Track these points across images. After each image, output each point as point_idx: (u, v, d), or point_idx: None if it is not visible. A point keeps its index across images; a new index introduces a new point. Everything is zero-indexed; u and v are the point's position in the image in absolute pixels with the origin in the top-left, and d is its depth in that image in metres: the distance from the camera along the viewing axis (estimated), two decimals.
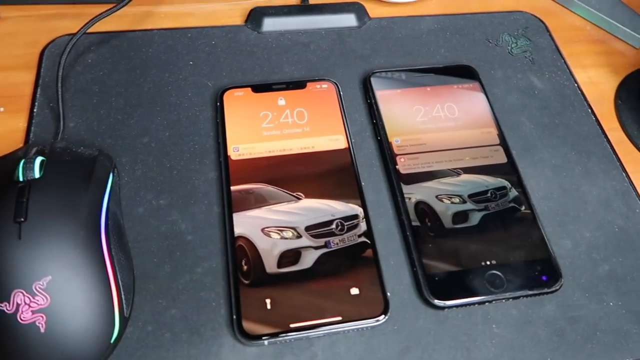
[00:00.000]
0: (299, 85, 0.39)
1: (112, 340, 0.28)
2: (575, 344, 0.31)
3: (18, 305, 0.26)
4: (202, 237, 0.33)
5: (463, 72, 0.41)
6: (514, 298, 0.32)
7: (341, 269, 0.32)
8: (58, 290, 0.26)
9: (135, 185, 0.35)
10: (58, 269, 0.27)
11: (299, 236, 0.32)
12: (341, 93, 0.39)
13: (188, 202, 0.34)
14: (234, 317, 0.30)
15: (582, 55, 0.46)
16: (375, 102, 0.39)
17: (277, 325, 0.29)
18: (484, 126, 0.39)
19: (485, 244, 0.33)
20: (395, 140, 0.37)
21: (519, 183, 0.36)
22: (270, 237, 0.32)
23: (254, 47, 0.42)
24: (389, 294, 0.31)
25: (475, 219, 0.34)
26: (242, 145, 0.36)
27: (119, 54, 0.40)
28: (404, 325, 0.31)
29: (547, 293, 0.32)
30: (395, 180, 0.35)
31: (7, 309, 0.26)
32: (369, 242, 0.33)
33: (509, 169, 0.37)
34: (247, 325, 0.29)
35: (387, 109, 0.39)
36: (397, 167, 0.36)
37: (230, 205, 0.33)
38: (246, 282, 0.31)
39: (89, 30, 0.38)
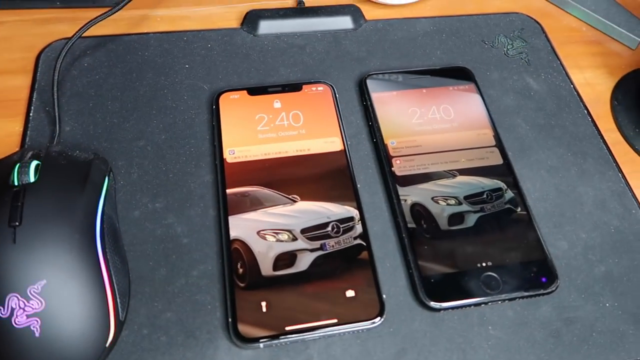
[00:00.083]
0: (295, 87, 0.39)
1: (107, 344, 0.28)
2: (571, 345, 0.31)
3: (13, 309, 0.26)
4: (198, 240, 0.33)
5: (459, 74, 0.41)
6: (509, 299, 0.32)
7: (337, 272, 0.32)
8: (53, 294, 0.26)
9: (131, 188, 0.35)
10: (53, 272, 0.27)
11: (295, 239, 0.32)
12: (337, 95, 0.39)
13: (184, 205, 0.34)
14: (230, 320, 0.30)
15: (578, 56, 0.46)
16: (371, 104, 0.39)
17: (273, 328, 0.29)
18: (479, 128, 0.39)
19: (481, 246, 0.33)
20: (391, 142, 0.37)
21: (514, 184, 0.36)
22: (266, 239, 0.32)
23: (249, 50, 0.42)
24: (384, 296, 0.31)
25: (471, 220, 0.34)
26: (237, 148, 0.36)
27: (114, 57, 0.40)
28: (399, 327, 0.31)
29: (543, 294, 0.32)
30: (391, 182, 0.35)
31: (1, 313, 0.26)
32: (364, 244, 0.33)
33: (504, 171, 0.37)
34: (243, 328, 0.29)
35: (382, 111, 0.39)
36: (392, 169, 0.36)
37: (226, 208, 0.33)
38: (242, 284, 0.31)
39: (85, 34, 0.38)
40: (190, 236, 0.33)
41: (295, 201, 0.34)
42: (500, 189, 0.36)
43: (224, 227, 0.33)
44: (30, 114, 0.37)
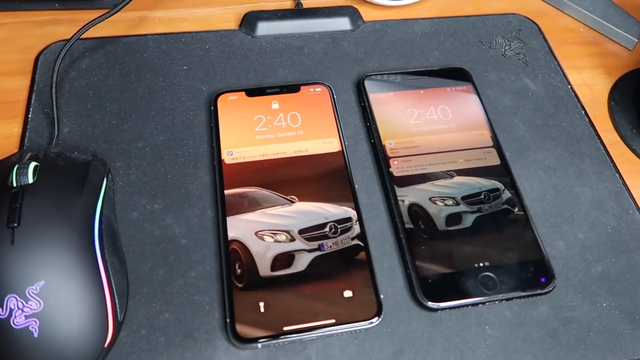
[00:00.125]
0: (293, 89, 0.39)
1: (105, 345, 0.28)
2: (568, 345, 0.31)
3: (11, 310, 0.26)
4: (196, 241, 0.33)
5: (456, 75, 0.42)
6: (507, 299, 0.32)
7: (334, 272, 0.32)
8: (51, 295, 0.26)
9: (129, 189, 0.35)
10: (51, 273, 0.27)
11: (293, 239, 0.32)
12: (335, 96, 0.39)
13: (182, 206, 0.34)
14: (228, 320, 0.30)
15: (576, 57, 0.46)
16: (369, 105, 0.39)
17: (271, 328, 0.29)
18: (477, 128, 0.39)
19: (479, 246, 0.33)
20: (389, 143, 0.37)
21: (512, 185, 0.36)
22: (264, 240, 0.32)
23: (248, 51, 0.42)
24: (382, 296, 0.31)
25: (468, 221, 0.34)
26: (235, 149, 0.36)
27: (113, 59, 0.41)
28: (397, 327, 0.31)
29: (540, 294, 0.32)
30: (388, 182, 0.36)
31: (0, 314, 0.26)
32: (362, 244, 0.33)
33: (502, 171, 0.37)
34: (241, 329, 0.29)
35: (380, 111, 0.39)
36: (390, 169, 0.36)
37: (224, 209, 0.33)
38: (240, 285, 0.31)
39: (84, 36, 0.39)
40: (188, 237, 0.33)
41: (293, 202, 0.34)
42: (497, 189, 0.36)
43: (222, 228, 0.33)
44: (29, 116, 0.37)
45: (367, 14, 0.46)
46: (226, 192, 0.34)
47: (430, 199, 0.35)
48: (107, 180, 0.32)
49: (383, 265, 0.33)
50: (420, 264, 0.33)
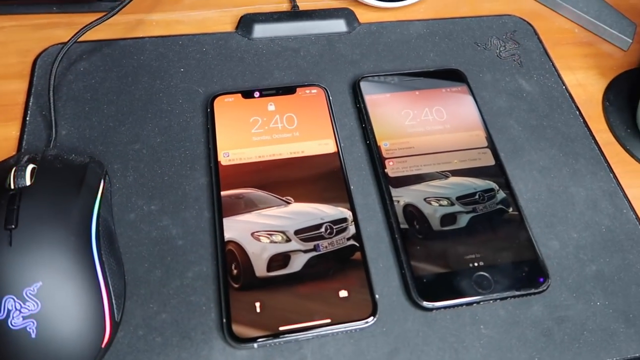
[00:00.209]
0: (289, 90, 0.39)
1: (103, 345, 0.28)
2: (562, 344, 0.32)
3: (9, 311, 0.26)
4: (193, 242, 0.33)
5: (451, 76, 0.42)
6: (501, 299, 0.32)
7: (330, 272, 0.32)
8: (48, 296, 0.27)
9: (126, 191, 0.35)
10: (48, 274, 0.27)
11: (289, 240, 0.33)
12: (330, 98, 0.39)
13: (179, 207, 0.35)
14: (224, 320, 0.30)
15: (570, 57, 0.47)
16: (365, 107, 0.39)
17: (267, 328, 0.30)
18: (472, 129, 0.39)
19: (473, 246, 0.34)
20: (384, 144, 0.38)
21: (506, 185, 0.37)
22: (260, 241, 0.32)
23: (244, 53, 0.43)
24: (377, 296, 0.31)
25: (463, 221, 0.35)
26: (232, 150, 0.36)
27: (110, 61, 0.41)
28: (392, 326, 0.31)
29: (534, 294, 0.33)
30: (384, 183, 0.36)
31: None
32: (357, 245, 0.33)
33: (497, 171, 0.37)
34: (237, 329, 0.30)
35: (376, 113, 0.39)
36: (385, 170, 0.36)
37: (220, 210, 0.33)
38: (236, 286, 0.31)
39: (81, 39, 0.39)
40: (185, 238, 0.33)
41: (289, 203, 0.34)
42: (492, 189, 0.36)
43: (218, 229, 0.33)
44: (27, 118, 0.37)
45: (363, 15, 0.46)
46: (222, 193, 0.34)
47: (425, 199, 0.35)
48: (104, 182, 0.32)
49: (378, 265, 0.33)
50: (415, 263, 0.33)
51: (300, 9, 0.46)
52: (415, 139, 0.38)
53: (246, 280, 0.31)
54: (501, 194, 0.36)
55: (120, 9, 0.40)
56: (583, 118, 0.42)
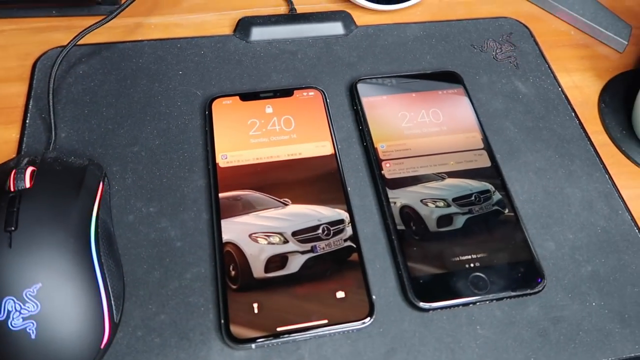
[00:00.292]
0: (286, 93, 0.40)
1: (102, 346, 0.28)
2: (558, 344, 0.32)
3: (9, 312, 0.26)
4: (191, 244, 0.34)
5: (448, 78, 0.42)
6: (497, 299, 0.33)
7: (327, 273, 0.32)
8: (48, 297, 0.27)
9: (125, 193, 0.35)
10: (48, 276, 0.27)
11: (286, 241, 0.33)
12: (328, 100, 0.40)
13: (177, 209, 0.35)
14: (222, 321, 0.30)
15: (566, 59, 0.47)
16: (362, 109, 0.40)
17: (265, 329, 0.30)
18: (468, 131, 0.39)
19: (469, 247, 0.34)
20: (381, 146, 0.38)
21: (502, 186, 0.37)
22: (258, 242, 0.33)
23: (242, 56, 0.43)
24: (374, 297, 0.32)
25: (459, 222, 0.35)
26: (230, 152, 0.36)
27: (109, 64, 0.41)
28: (389, 327, 0.32)
29: (530, 294, 0.33)
30: (380, 185, 0.36)
31: None
32: (354, 246, 0.33)
33: (493, 173, 0.37)
34: (235, 330, 0.30)
35: (373, 115, 0.39)
36: (382, 172, 0.37)
37: (218, 211, 0.34)
38: (234, 287, 0.31)
39: (80, 42, 0.39)
40: (183, 239, 0.34)
41: (286, 204, 0.34)
42: (488, 191, 0.36)
43: (216, 231, 0.33)
44: (27, 121, 0.38)
45: (360, 18, 0.47)
46: (221, 195, 0.34)
47: (421, 200, 0.36)
48: (103, 184, 0.33)
49: (375, 267, 0.34)
50: (411, 264, 0.33)
51: (298, 12, 0.46)
52: (411, 141, 0.38)
53: (244, 282, 0.31)
54: (497, 195, 0.36)
55: (119, 12, 0.40)
56: (579, 120, 0.42)
